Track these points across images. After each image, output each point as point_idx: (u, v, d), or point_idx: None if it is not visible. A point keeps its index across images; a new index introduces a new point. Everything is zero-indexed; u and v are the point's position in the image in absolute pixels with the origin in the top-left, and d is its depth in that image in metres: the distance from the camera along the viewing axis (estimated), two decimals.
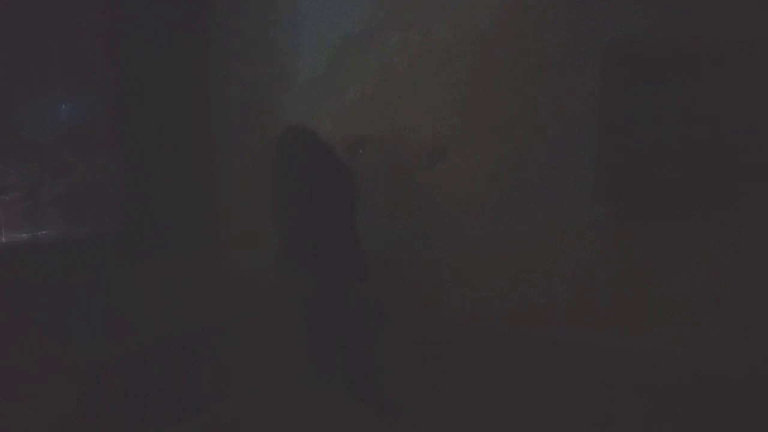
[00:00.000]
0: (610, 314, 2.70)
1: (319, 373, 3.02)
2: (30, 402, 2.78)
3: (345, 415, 2.82)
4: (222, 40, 3.95)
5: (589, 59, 2.68)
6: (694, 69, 2.44)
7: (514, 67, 2.91)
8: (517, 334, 2.92)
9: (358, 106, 3.43)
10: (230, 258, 4.03)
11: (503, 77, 2.93)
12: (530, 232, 2.91)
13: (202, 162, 4.05)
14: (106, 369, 3.14)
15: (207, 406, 2.92)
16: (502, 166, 2.98)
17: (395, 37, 3.25)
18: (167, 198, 3.89)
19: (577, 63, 2.72)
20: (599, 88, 2.63)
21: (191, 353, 3.40)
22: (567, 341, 2.78)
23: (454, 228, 3.15)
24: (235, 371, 3.22)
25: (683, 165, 2.49)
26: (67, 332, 3.24)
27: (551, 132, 2.83)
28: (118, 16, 3.65)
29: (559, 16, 2.77)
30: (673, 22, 2.50)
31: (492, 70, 2.97)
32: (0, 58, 3.27)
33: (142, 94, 3.74)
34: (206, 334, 3.57)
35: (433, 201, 3.20)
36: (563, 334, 2.80)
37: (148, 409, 2.86)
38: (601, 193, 2.68)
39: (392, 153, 3.32)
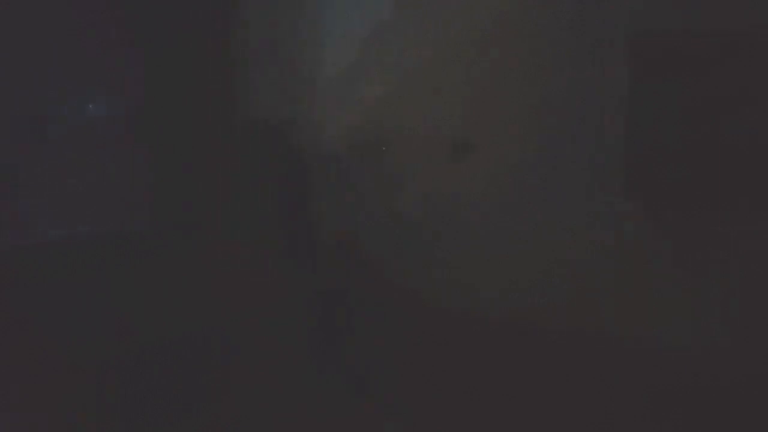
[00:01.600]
0: (640, 310, 2.69)
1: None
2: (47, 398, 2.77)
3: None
4: (243, 37, 3.96)
5: (617, 52, 2.66)
6: (725, 61, 2.41)
7: (540, 60, 2.88)
8: (544, 329, 2.90)
9: (382, 101, 3.42)
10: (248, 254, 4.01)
11: (530, 70, 2.91)
12: (558, 228, 2.89)
13: (224, 157, 4.03)
14: (123, 367, 3.14)
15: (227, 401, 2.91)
16: (529, 160, 2.96)
17: (419, 30, 3.24)
18: (192, 197, 3.88)
19: (605, 56, 2.70)
20: (628, 81, 2.62)
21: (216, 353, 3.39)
22: (596, 337, 2.78)
23: (481, 223, 3.13)
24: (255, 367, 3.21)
25: (714, 159, 2.46)
26: (92, 329, 3.25)
27: (579, 126, 2.81)
28: (141, 13, 3.64)
29: (587, 7, 2.74)
30: (703, 12, 2.47)
31: (518, 63, 2.95)
32: (23, 51, 3.26)
33: (163, 91, 3.74)
34: (230, 332, 3.56)
35: (458, 196, 3.18)
36: (593, 330, 2.79)
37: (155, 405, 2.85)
38: (631, 189, 2.66)
39: (417, 148, 3.30)
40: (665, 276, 2.64)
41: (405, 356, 3.07)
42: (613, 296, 2.76)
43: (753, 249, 2.44)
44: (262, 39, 3.89)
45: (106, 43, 3.58)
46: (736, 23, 2.40)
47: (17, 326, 3.07)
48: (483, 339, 3.10)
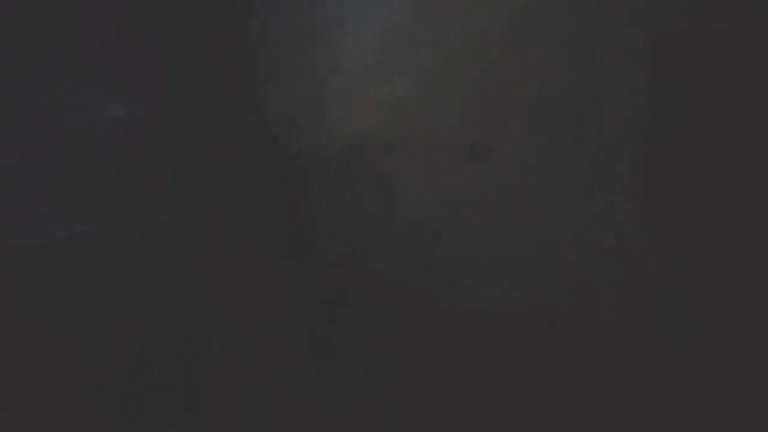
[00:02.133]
0: (659, 312, 2.67)
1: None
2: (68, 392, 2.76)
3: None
4: (264, 35, 3.95)
5: (640, 52, 2.62)
6: (751, 62, 2.37)
7: (561, 61, 2.85)
8: (565, 330, 2.88)
9: (399, 101, 3.40)
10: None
11: (550, 71, 2.88)
12: (577, 230, 2.87)
13: (242, 153, 4.05)
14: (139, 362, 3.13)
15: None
16: (548, 161, 2.93)
17: (438, 30, 3.21)
18: (210, 198, 3.89)
19: (626, 56, 2.67)
20: (650, 83, 2.59)
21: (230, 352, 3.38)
22: (616, 339, 2.75)
23: (496, 224, 3.11)
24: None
25: (736, 161, 2.43)
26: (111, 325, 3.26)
27: (599, 128, 2.79)
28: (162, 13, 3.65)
29: (608, 6, 2.71)
30: (728, 12, 2.43)
31: (538, 64, 2.92)
32: (42, 50, 3.26)
33: (184, 90, 3.73)
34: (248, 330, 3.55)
35: (475, 197, 3.15)
36: (613, 332, 2.77)
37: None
38: (651, 190, 2.62)
39: (433, 148, 3.27)
40: (680, 278, 2.60)
41: (416, 358, 3.05)
42: (626, 298, 2.73)
43: None
44: (277, 39, 3.87)
45: (118, 42, 3.57)
46: (758, 23, 2.36)
47: (22, 325, 3.07)
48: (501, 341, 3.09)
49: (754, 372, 2.43)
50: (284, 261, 3.62)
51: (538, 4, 2.91)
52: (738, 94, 2.42)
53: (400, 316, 3.28)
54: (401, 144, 3.39)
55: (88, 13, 3.49)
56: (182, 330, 3.52)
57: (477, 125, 3.13)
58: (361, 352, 2.99)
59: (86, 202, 3.62)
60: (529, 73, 2.94)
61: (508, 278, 3.09)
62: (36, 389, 2.87)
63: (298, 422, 2.74)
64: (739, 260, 2.48)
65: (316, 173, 3.72)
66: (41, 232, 3.40)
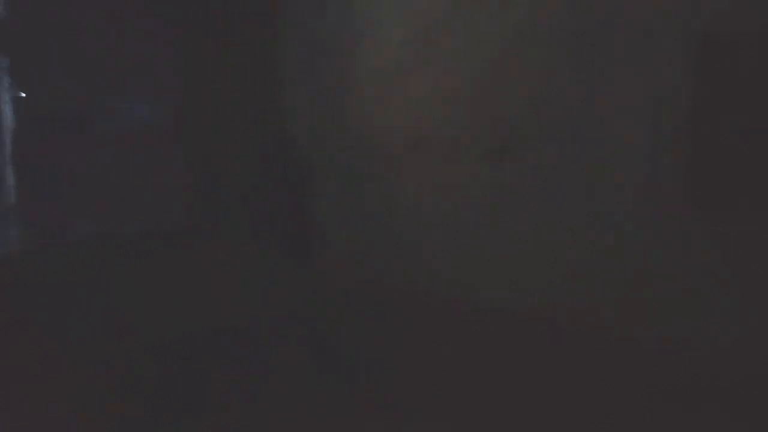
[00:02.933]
0: (698, 312, 2.57)
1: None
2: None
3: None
4: (292, 36, 3.99)
5: (681, 52, 2.51)
6: None
7: (599, 62, 2.76)
8: (605, 334, 2.82)
9: (425, 101, 3.40)
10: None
11: (588, 72, 2.79)
12: (616, 231, 2.77)
13: (269, 150, 4.08)
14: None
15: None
16: (585, 162, 2.85)
17: (464, 35, 3.18)
18: (240, 199, 3.94)
19: (666, 57, 2.56)
20: (691, 83, 2.48)
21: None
22: (657, 339, 2.68)
23: (527, 225, 3.05)
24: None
25: None
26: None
27: (637, 129, 2.69)
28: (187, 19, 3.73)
29: (647, 6, 2.60)
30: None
31: (574, 64, 2.84)
32: (78, 58, 3.37)
33: (212, 93, 3.81)
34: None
35: (501, 197, 3.12)
36: (655, 333, 2.69)
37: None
38: (691, 192, 2.54)
39: (457, 148, 3.27)
40: (723, 279, 2.45)
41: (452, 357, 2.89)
42: (676, 301, 2.58)
43: None
44: (303, 38, 3.93)
45: (150, 47, 3.65)
46: None
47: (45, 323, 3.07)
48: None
49: None
50: (301, 259, 3.58)
51: (572, 4, 2.76)
52: None
53: (422, 315, 3.19)
54: (426, 143, 3.36)
55: (116, 19, 3.57)
56: (209, 327, 3.46)
57: (507, 126, 3.04)
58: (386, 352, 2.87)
59: (113, 201, 3.66)
60: (566, 74, 2.83)
61: (536, 278, 3.00)
62: (66, 383, 2.84)
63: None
64: None
65: (338, 172, 3.72)
66: (69, 231, 3.44)
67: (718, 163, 2.39)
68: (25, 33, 2.93)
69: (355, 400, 2.74)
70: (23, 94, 2.96)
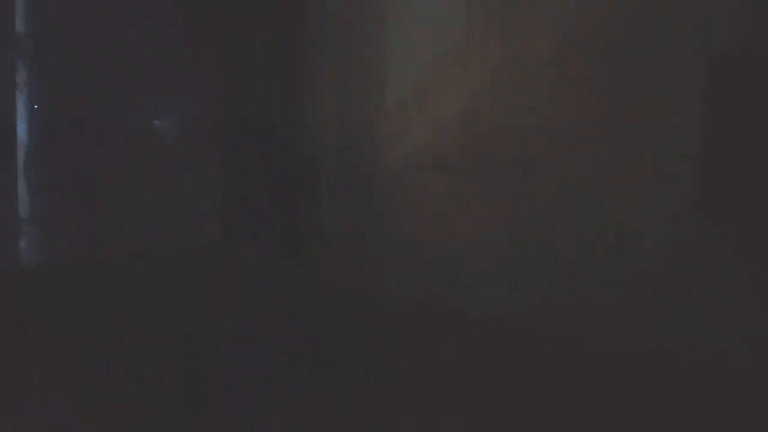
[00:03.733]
0: (712, 320, 2.61)
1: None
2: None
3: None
4: (317, 57, 4.08)
5: (696, 67, 2.60)
6: None
7: (615, 78, 2.85)
8: (617, 343, 2.84)
9: (447, 121, 3.45)
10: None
11: (604, 88, 2.88)
12: (631, 242, 2.82)
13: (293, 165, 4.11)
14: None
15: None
16: (604, 174, 2.91)
17: (487, 54, 3.26)
18: (263, 212, 3.97)
19: (682, 72, 2.65)
20: (706, 97, 2.56)
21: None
22: (671, 347, 2.71)
23: (549, 239, 3.08)
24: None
25: None
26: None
27: (653, 142, 2.75)
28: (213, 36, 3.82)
29: (662, 22, 2.69)
30: None
31: (591, 79, 2.92)
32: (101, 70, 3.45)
33: (236, 112, 3.87)
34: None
35: (526, 213, 3.15)
36: (669, 341, 2.72)
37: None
38: (705, 203, 2.60)
39: (484, 167, 3.31)
40: (736, 285, 2.49)
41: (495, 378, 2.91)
42: (690, 310, 2.62)
43: None
44: (330, 58, 3.99)
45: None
46: None
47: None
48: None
49: None
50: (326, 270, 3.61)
51: (591, 24, 2.87)
52: None
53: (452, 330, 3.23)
54: (451, 163, 3.41)
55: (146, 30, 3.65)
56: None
57: (528, 145, 3.11)
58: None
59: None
60: (582, 91, 2.91)
61: (557, 293, 3.02)
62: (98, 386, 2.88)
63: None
64: None
65: (362, 189, 3.77)
66: (97, 245, 3.49)
67: (732, 180, 2.47)
68: (48, 45, 3.01)
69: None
70: (35, 106, 3.05)
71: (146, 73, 3.59)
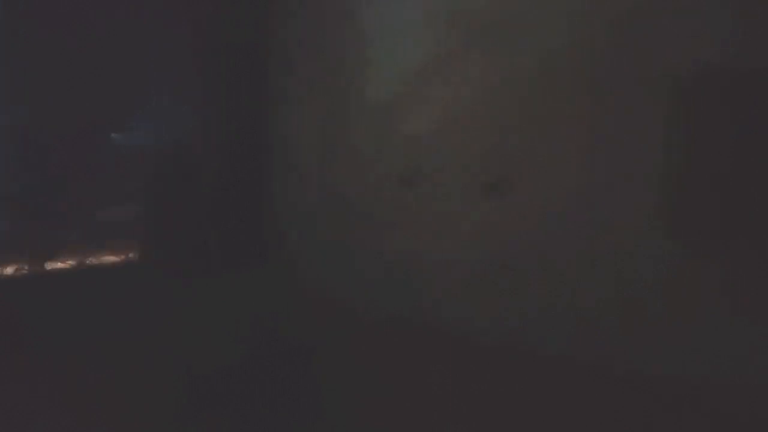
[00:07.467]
0: (688, 347, 2.62)
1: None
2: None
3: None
4: (289, 67, 3.98)
5: (660, 88, 2.59)
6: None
7: (584, 99, 2.83)
8: (590, 365, 2.85)
9: (420, 136, 3.41)
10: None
11: (572, 109, 2.86)
12: (600, 266, 2.82)
13: (263, 188, 4.10)
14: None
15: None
16: (573, 197, 2.90)
17: (461, 68, 3.21)
18: (231, 228, 3.95)
19: (647, 93, 2.64)
20: (674, 118, 2.55)
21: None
22: (644, 373, 2.71)
23: (518, 261, 3.08)
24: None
25: (764, 195, 2.37)
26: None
27: (621, 164, 2.74)
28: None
29: (629, 44, 2.67)
30: (751, 48, 2.38)
31: (559, 102, 2.90)
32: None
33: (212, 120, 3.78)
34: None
35: (494, 233, 3.13)
36: (639, 366, 2.72)
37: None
38: (677, 227, 2.58)
39: (454, 183, 3.28)
40: (707, 313, 2.50)
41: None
42: (663, 335, 2.63)
43: None
44: (300, 72, 3.90)
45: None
46: None
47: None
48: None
49: None
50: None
51: (562, 43, 2.86)
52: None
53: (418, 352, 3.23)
54: (421, 179, 3.38)
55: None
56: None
57: (496, 161, 3.10)
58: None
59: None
60: (552, 110, 2.91)
61: (526, 314, 3.03)
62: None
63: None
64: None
65: (333, 208, 3.72)
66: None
67: (705, 203, 2.48)
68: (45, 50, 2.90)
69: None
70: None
71: (101, 85, 3.50)
